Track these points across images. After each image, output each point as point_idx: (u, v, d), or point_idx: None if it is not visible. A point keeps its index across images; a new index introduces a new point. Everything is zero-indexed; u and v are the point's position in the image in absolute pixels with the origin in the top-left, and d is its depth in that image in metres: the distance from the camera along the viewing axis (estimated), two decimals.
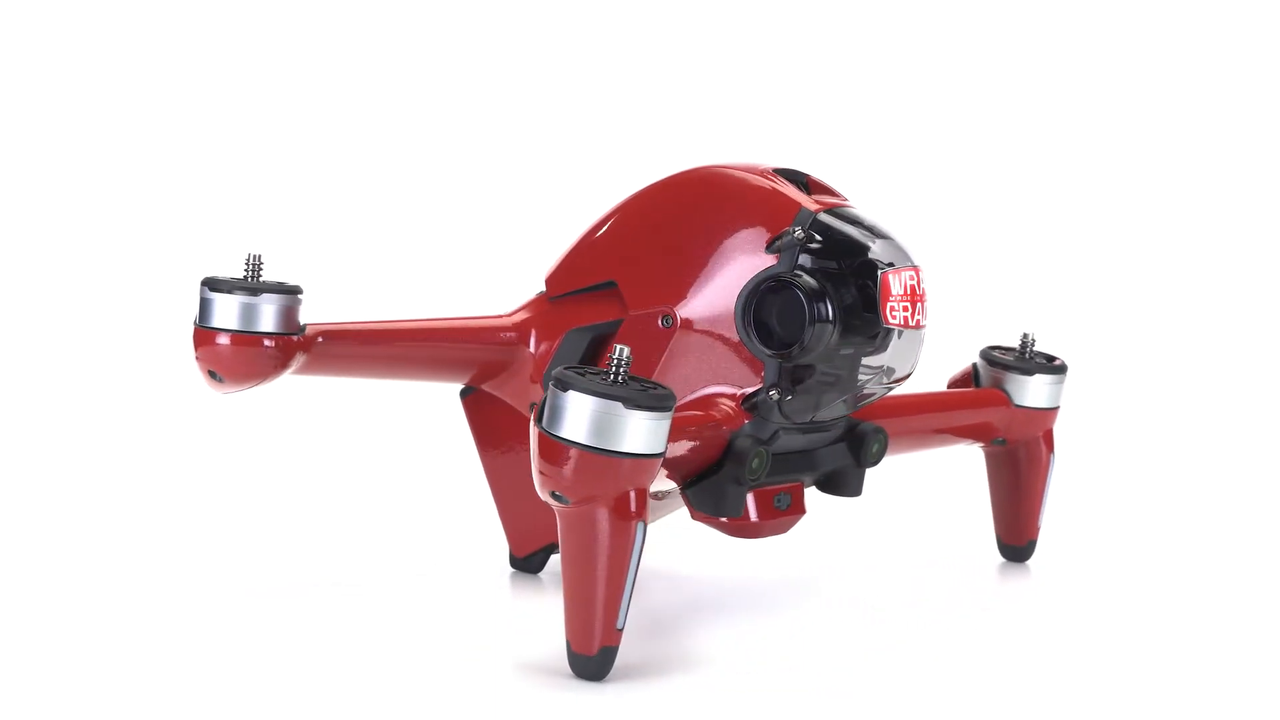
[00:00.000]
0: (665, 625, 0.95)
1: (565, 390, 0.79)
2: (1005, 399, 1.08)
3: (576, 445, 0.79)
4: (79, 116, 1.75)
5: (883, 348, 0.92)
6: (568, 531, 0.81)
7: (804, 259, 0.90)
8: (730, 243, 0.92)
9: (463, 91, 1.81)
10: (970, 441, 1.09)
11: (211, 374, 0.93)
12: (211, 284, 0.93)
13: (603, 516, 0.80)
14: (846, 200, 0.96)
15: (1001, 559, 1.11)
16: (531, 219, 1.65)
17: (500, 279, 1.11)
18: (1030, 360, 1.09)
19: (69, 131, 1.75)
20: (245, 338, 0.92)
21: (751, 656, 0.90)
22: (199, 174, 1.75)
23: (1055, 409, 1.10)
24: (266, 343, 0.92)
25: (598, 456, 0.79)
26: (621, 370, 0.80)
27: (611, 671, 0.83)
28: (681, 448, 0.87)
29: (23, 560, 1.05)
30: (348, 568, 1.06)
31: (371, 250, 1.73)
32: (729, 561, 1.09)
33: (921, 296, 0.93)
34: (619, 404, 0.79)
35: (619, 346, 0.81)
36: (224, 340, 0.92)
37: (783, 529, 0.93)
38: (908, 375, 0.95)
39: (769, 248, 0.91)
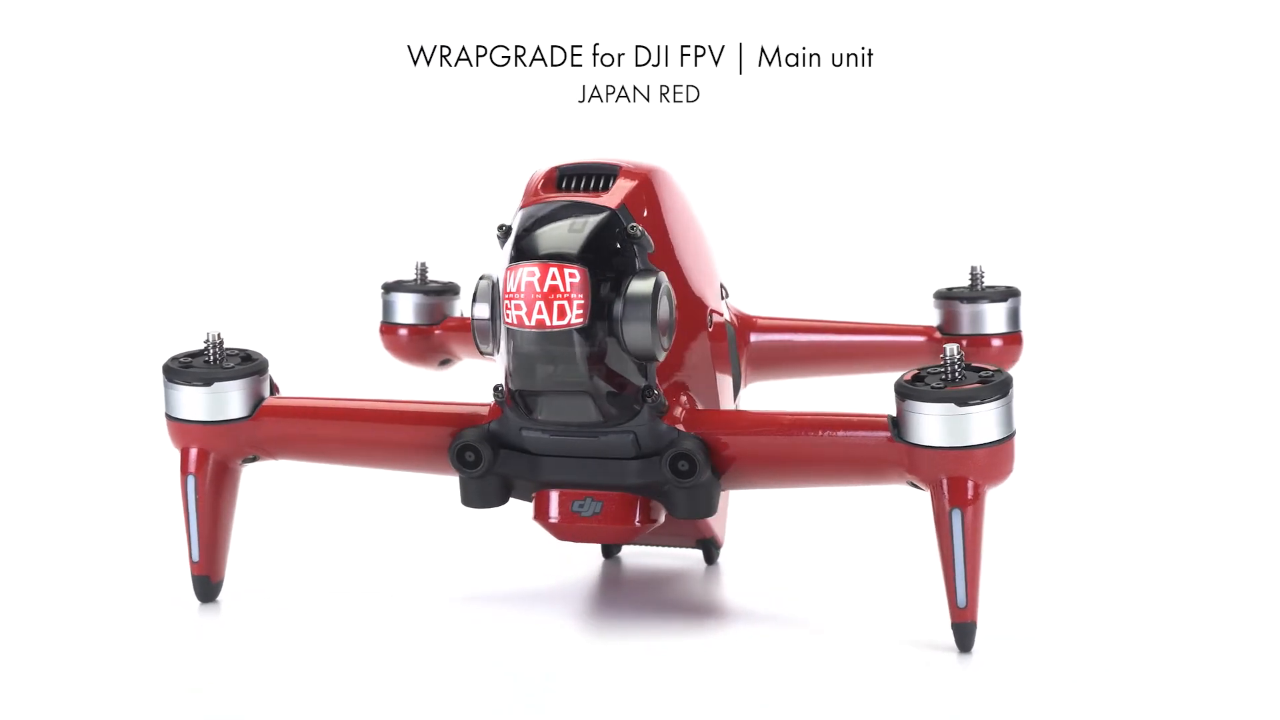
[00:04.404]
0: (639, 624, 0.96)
1: None
2: (886, 427, 0.88)
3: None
4: (173, 133, 1.79)
5: (519, 347, 0.87)
6: None
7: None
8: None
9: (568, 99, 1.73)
10: (881, 480, 0.90)
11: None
12: (385, 287, 1.21)
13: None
14: (599, 197, 0.89)
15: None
16: None
17: None
18: (923, 381, 0.87)
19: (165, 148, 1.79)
20: (416, 330, 1.20)
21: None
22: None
23: (949, 450, 0.85)
24: (400, 332, 1.21)
25: (168, 420, 0.98)
26: (215, 350, 0.97)
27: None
28: (393, 430, 0.96)
29: (30, 556, 1.10)
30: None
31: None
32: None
33: (544, 295, 0.86)
34: (167, 378, 0.96)
35: (208, 331, 0.97)
36: (403, 332, 1.20)
37: (592, 538, 0.92)
38: (562, 376, 0.87)
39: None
